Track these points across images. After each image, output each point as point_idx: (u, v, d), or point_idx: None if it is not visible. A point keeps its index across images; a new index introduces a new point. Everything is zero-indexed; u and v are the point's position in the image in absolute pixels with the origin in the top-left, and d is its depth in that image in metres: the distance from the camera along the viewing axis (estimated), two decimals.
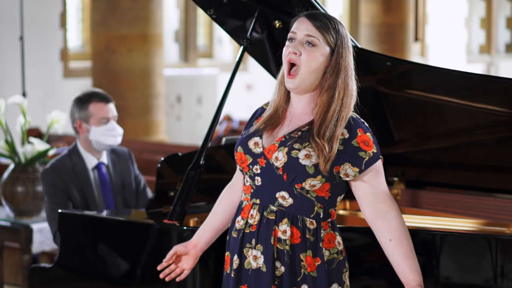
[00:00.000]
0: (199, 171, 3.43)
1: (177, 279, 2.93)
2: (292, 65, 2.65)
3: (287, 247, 2.63)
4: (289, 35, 2.68)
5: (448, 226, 3.58)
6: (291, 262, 2.63)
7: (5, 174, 5.00)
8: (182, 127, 11.91)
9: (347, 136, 2.62)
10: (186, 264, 2.92)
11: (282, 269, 2.64)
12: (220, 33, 13.29)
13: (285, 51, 2.67)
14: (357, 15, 14.91)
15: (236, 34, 3.89)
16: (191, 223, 3.41)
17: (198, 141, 9.08)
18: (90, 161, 4.13)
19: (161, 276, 2.92)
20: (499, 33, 20.02)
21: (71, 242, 3.58)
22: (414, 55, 14.68)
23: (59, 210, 3.65)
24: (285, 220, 2.64)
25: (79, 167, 4.09)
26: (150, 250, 3.35)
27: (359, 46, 3.43)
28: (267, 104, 2.78)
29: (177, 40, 12.91)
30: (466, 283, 3.16)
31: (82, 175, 4.08)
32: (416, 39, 16.88)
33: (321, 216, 2.66)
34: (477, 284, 3.15)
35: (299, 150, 2.60)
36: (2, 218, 5.08)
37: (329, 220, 2.68)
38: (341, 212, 3.90)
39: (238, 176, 2.87)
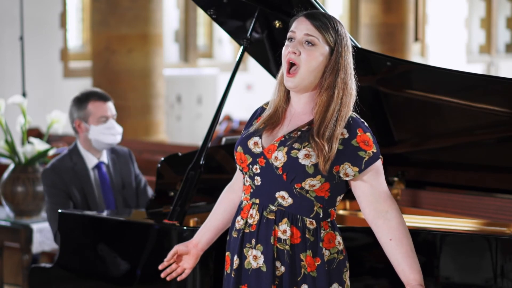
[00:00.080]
0: (199, 171, 3.43)
1: (178, 279, 2.93)
2: (291, 64, 2.65)
3: (287, 247, 2.63)
4: (288, 34, 2.68)
5: (448, 226, 3.58)
6: (291, 262, 2.63)
7: (5, 174, 5.00)
8: (182, 127, 11.91)
9: (346, 135, 2.62)
10: (187, 264, 2.92)
11: (282, 269, 2.64)
12: (220, 33, 13.29)
13: (284, 50, 2.67)
14: (357, 15, 14.91)
15: (236, 34, 3.89)
16: (191, 223, 3.41)
17: (198, 141, 9.08)
18: (90, 160, 4.13)
19: (162, 275, 2.92)
20: (499, 33, 20.02)
21: (71, 242, 3.58)
22: (414, 55, 14.68)
23: (59, 210, 3.64)
24: (285, 220, 2.64)
25: (79, 167, 4.09)
26: (150, 250, 3.35)
27: (359, 46, 3.43)
28: (267, 104, 2.79)
29: (177, 40, 12.91)
30: (466, 283, 3.16)
31: (83, 175, 4.08)
32: (416, 39, 16.88)
33: (321, 216, 2.66)
34: (477, 284, 3.15)
35: (299, 150, 2.60)
36: (2, 218, 5.08)
37: (329, 220, 2.68)
38: (341, 212, 3.90)
39: (238, 176, 2.87)
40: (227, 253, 2.76)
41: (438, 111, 3.59)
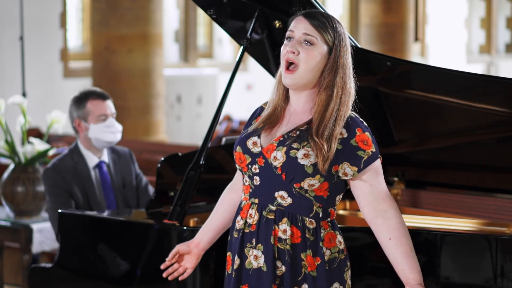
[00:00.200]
0: (199, 171, 3.43)
1: (180, 278, 2.93)
2: (290, 63, 2.65)
3: (287, 247, 2.63)
4: (287, 34, 2.68)
5: (448, 226, 3.58)
6: (292, 262, 2.63)
7: (5, 174, 5.00)
8: (182, 127, 11.91)
9: (345, 135, 2.62)
10: (189, 263, 2.93)
11: (283, 268, 2.64)
12: (220, 33, 13.29)
13: (283, 50, 2.67)
14: (357, 15, 14.92)
15: (236, 34, 3.89)
16: (191, 223, 3.41)
17: (198, 141, 9.08)
18: (91, 159, 4.13)
19: (164, 275, 2.92)
20: (499, 33, 20.02)
21: (71, 242, 3.58)
22: (414, 55, 14.68)
23: (59, 210, 3.65)
24: (285, 219, 2.64)
25: (80, 166, 4.10)
26: (150, 250, 3.35)
27: (359, 46, 3.43)
28: (266, 104, 2.79)
29: (177, 40, 12.91)
30: (466, 283, 3.16)
31: (84, 174, 4.09)
32: (416, 39, 16.88)
33: (320, 216, 2.66)
34: (477, 284, 3.15)
35: (298, 149, 2.60)
36: (2, 218, 5.08)
37: (329, 219, 2.68)
38: (341, 212, 3.90)
39: (239, 175, 2.87)
40: (228, 253, 2.76)
41: (438, 111, 3.59)
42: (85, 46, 11.31)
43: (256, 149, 2.67)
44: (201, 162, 3.44)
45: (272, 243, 2.63)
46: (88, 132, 4.11)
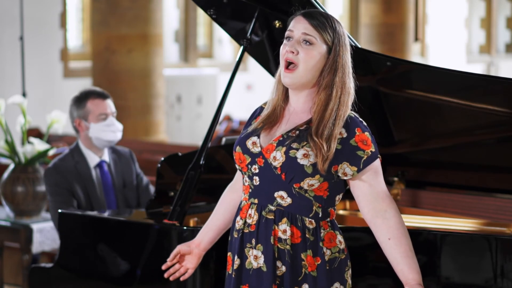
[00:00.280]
0: (199, 171, 3.43)
1: (181, 279, 2.93)
2: (289, 63, 2.65)
3: (288, 247, 2.63)
4: (286, 33, 2.68)
5: (448, 226, 3.58)
6: (292, 262, 2.63)
7: (5, 174, 5.00)
8: (182, 127, 11.91)
9: (345, 135, 2.62)
10: (190, 264, 2.93)
11: (283, 268, 2.64)
12: (220, 33, 13.29)
13: (282, 49, 2.67)
14: (357, 15, 14.91)
15: (236, 34, 3.89)
16: (191, 223, 3.41)
17: (198, 141, 9.07)
18: (92, 159, 4.14)
19: (165, 275, 2.93)
20: (499, 33, 20.02)
21: (71, 242, 3.58)
22: (414, 55, 14.68)
23: (59, 210, 3.65)
24: (285, 219, 2.64)
25: (81, 166, 4.10)
26: (150, 250, 3.35)
27: (359, 46, 3.43)
28: (266, 104, 2.78)
29: (177, 40, 12.91)
30: (466, 283, 3.16)
31: (85, 174, 4.10)
32: (416, 39, 16.88)
33: (320, 216, 2.66)
34: (477, 284, 3.15)
35: (297, 149, 2.60)
36: (2, 218, 5.08)
37: (328, 219, 2.68)
38: (341, 212, 3.90)
39: (239, 175, 2.87)
40: (229, 254, 2.76)
41: (438, 111, 3.59)
42: (85, 46, 11.31)
43: (256, 149, 2.67)
44: (201, 162, 3.44)
45: (272, 243, 2.63)
46: (88, 131, 4.11)
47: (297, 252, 2.63)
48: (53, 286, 3.64)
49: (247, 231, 2.68)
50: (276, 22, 3.51)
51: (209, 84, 12.24)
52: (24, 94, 6.73)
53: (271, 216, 2.65)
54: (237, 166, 2.75)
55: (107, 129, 4.10)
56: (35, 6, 9.85)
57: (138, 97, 8.92)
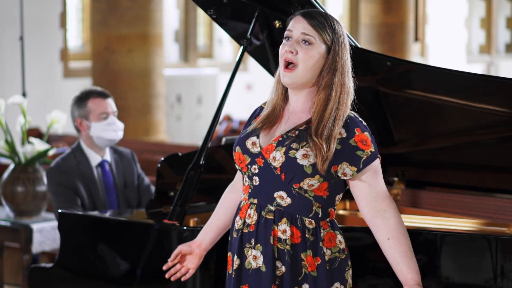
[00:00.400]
0: (199, 171, 3.43)
1: (182, 279, 2.94)
2: (289, 63, 2.65)
3: (287, 247, 2.63)
4: (286, 33, 2.68)
5: (448, 226, 3.58)
6: (292, 262, 2.63)
7: (5, 174, 5.00)
8: (182, 127, 11.91)
9: (344, 135, 2.62)
10: (191, 264, 2.93)
11: (283, 268, 2.64)
12: (220, 33, 13.29)
13: (281, 49, 2.67)
14: (357, 15, 14.91)
15: (236, 34, 3.89)
16: (191, 223, 3.41)
17: (198, 141, 9.08)
18: (94, 158, 4.15)
19: (166, 276, 2.93)
20: (499, 33, 20.02)
21: (71, 242, 3.58)
22: (414, 55, 14.68)
23: (59, 210, 3.65)
24: (284, 219, 2.64)
25: (83, 165, 4.11)
26: (150, 250, 3.35)
27: (359, 46, 3.43)
28: (265, 104, 2.78)
29: (177, 40, 12.91)
30: (466, 283, 3.16)
31: (87, 173, 4.11)
32: (416, 39, 16.88)
33: (320, 216, 2.66)
34: (477, 284, 3.15)
35: (297, 150, 2.60)
36: (2, 218, 5.08)
37: (328, 219, 2.68)
38: (341, 212, 3.90)
39: (239, 175, 2.87)
40: (229, 254, 2.76)
41: (438, 111, 3.59)
42: (85, 46, 11.31)
43: (255, 149, 2.67)
44: (201, 162, 3.44)
45: (272, 243, 2.63)
46: (89, 130, 4.12)
47: (297, 252, 2.63)
48: (53, 286, 3.64)
49: (246, 231, 2.68)
50: (276, 22, 3.51)
51: (209, 84, 12.25)
52: (24, 94, 6.73)
53: (270, 216, 2.65)
54: (237, 166, 2.75)
55: (108, 128, 4.11)
56: (35, 6, 9.85)
57: (138, 97, 8.92)
